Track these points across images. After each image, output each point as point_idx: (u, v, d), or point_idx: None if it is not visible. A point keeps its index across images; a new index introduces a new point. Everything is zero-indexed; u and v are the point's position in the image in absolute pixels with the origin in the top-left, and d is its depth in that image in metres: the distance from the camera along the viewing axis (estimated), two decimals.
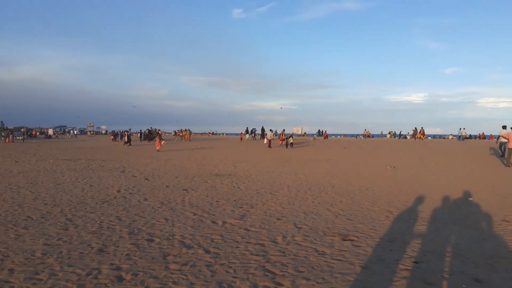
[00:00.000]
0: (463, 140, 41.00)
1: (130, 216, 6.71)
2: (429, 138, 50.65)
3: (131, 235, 5.48)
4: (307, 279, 3.89)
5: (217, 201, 8.20)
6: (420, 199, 8.70)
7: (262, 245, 5.13)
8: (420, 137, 40.17)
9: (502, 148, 19.09)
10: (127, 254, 4.63)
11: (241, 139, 45.73)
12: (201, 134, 79.99)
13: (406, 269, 4.20)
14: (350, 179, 12.10)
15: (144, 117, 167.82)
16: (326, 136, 54.14)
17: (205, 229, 5.90)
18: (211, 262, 4.40)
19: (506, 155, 16.58)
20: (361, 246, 5.11)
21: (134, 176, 12.16)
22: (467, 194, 9.40)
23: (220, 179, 11.71)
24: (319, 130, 63.06)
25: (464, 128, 43.18)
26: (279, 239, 5.43)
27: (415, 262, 4.44)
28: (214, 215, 6.91)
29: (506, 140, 17.47)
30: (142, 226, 6.02)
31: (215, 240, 5.30)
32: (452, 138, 50.25)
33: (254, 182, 11.18)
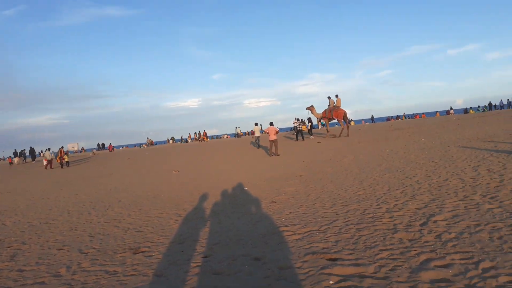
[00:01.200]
0: (239, 137, 46.40)
1: None
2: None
3: None
4: None
5: None
6: (204, 197, 9.30)
7: (42, 283, 4.41)
8: (203, 139, 43.65)
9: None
10: None
11: (10, 163, 37.93)
12: None
13: (197, 266, 4.39)
14: (136, 190, 11.86)
15: None
16: (112, 149, 51.31)
17: None
18: None
19: (269, 147, 19.56)
20: (153, 255, 5.05)
21: None
22: (242, 185, 10.61)
23: None
24: (98, 143, 59.40)
25: (239, 127, 49.54)
26: (63, 271, 4.79)
27: (204, 257, 4.70)
28: None
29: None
30: None
31: None
32: (227, 137, 55.98)
33: (24, 214, 9.55)
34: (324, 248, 4.52)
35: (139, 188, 12.41)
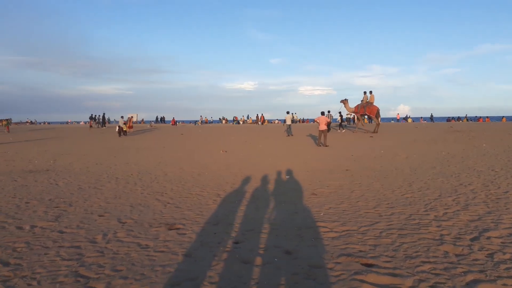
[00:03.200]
0: (295, 123, 46.13)
1: None
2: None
3: None
4: (125, 278, 3.64)
5: (26, 203, 7.06)
6: (246, 180, 9.28)
7: (78, 247, 4.60)
8: (262, 122, 44.49)
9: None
10: None
11: (91, 126, 40.52)
12: (18, 123, 67.08)
13: (227, 251, 4.34)
14: (184, 166, 12.12)
15: None
16: (175, 123, 52.49)
17: (7, 237, 4.98)
18: (9, 277, 3.71)
19: (318, 136, 19.21)
20: (186, 234, 5.09)
21: None
22: (286, 173, 10.46)
23: (34, 176, 10.20)
24: (157, 116, 61.51)
25: (295, 113, 48.94)
26: (99, 238, 4.97)
27: (235, 243, 4.65)
28: (21, 219, 5.91)
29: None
30: None
31: (18, 249, 4.51)
32: (278, 123, 55.72)
33: (77, 177, 10.12)
34: (360, 251, 4.28)
35: (186, 164, 12.67)
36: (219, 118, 61.35)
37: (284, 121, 26.48)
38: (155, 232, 5.20)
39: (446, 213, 5.83)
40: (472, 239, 4.58)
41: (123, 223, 5.71)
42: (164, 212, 6.34)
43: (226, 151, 16.51)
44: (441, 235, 4.78)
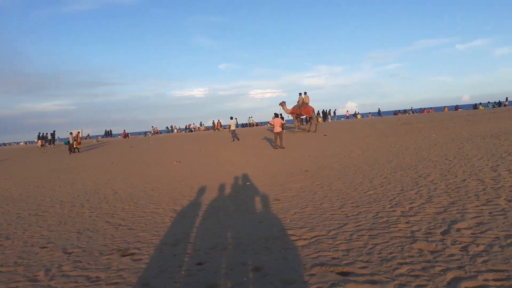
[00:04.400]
0: (251, 127, 46.24)
1: None
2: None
3: None
4: None
5: None
6: (203, 191, 8.80)
7: None
8: (218, 129, 43.63)
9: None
10: None
11: (42, 145, 37.40)
12: None
13: (189, 275, 3.87)
14: (135, 181, 11.39)
15: None
16: (126, 135, 50.26)
17: None
18: None
19: (274, 139, 19.04)
20: (142, 259, 4.54)
21: None
22: (245, 179, 10.10)
23: None
24: (106, 130, 58.97)
25: (251, 116, 50.15)
26: (41, 275, 4.30)
27: (198, 264, 4.19)
28: None
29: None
30: None
31: None
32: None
33: (16, 204, 9.12)
34: (333, 258, 3.98)
35: (137, 179, 11.94)
36: (166, 128, 59.75)
37: (229, 126, 27.17)
38: (107, 261, 4.60)
39: (412, 207, 5.72)
40: (443, 233, 4.45)
41: (69, 253, 5.05)
42: (116, 236, 5.72)
43: (180, 162, 15.86)
44: (412, 231, 4.62)
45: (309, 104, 23.96)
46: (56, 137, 40.67)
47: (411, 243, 4.21)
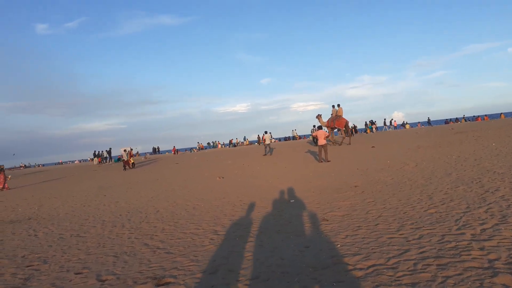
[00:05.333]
0: (294, 140, 46.16)
1: None
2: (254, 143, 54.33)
3: None
4: None
5: None
6: (246, 210, 8.34)
7: None
8: (263, 142, 43.78)
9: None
10: None
11: (100, 162, 39.53)
12: (11, 169, 66.80)
13: None
14: (177, 199, 11.16)
15: None
16: (176, 151, 52.09)
17: None
18: None
19: (318, 152, 18.38)
20: None
21: None
22: (289, 195, 9.54)
23: (13, 227, 9.18)
24: (154, 147, 60.83)
25: (295, 130, 51.33)
26: None
27: None
28: None
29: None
30: None
31: None
32: (275, 141, 55.04)
33: (60, 223, 9.12)
34: None
35: (180, 196, 11.73)
36: (208, 143, 60.41)
37: (264, 140, 27.55)
38: None
39: (484, 229, 4.92)
40: None
41: (103, 281, 4.74)
42: (153, 261, 5.37)
43: (223, 177, 15.57)
44: (490, 261, 3.87)
45: (343, 117, 23.72)
46: (112, 154, 42.33)
47: (492, 277, 3.48)
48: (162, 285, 4.36)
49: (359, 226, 5.90)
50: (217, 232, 6.65)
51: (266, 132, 27.54)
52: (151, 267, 5.10)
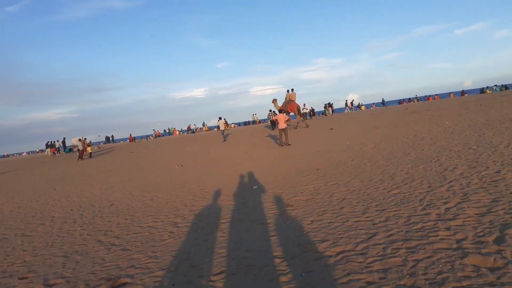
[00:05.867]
0: (255, 124, 46.11)
1: None
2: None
3: None
4: None
5: None
6: (207, 199, 8.01)
7: None
8: (226, 128, 43.45)
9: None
10: None
11: (54, 153, 36.79)
12: None
13: None
14: (133, 190, 10.61)
15: None
16: (133, 139, 50.38)
17: None
18: None
19: (278, 136, 18.27)
20: None
21: None
22: (252, 181, 9.30)
23: None
24: (106, 136, 58.27)
25: (255, 114, 51.68)
26: None
27: None
28: None
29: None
30: None
31: None
32: (234, 126, 54.56)
33: (3, 222, 8.34)
34: (369, 283, 3.19)
35: (136, 187, 11.17)
36: (164, 130, 58.94)
37: (218, 127, 28.21)
38: None
39: (448, 208, 4.90)
40: (496, 241, 3.65)
41: (51, 286, 4.28)
42: (107, 260, 4.94)
43: (181, 166, 15.08)
44: (458, 241, 3.81)
45: (295, 101, 24.29)
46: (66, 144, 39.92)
47: (462, 258, 3.40)
48: (118, 286, 3.98)
49: (324, 211, 5.75)
50: (177, 225, 6.27)
51: (220, 118, 27.73)
52: (105, 266, 4.68)
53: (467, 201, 5.06)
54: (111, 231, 6.48)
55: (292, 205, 6.38)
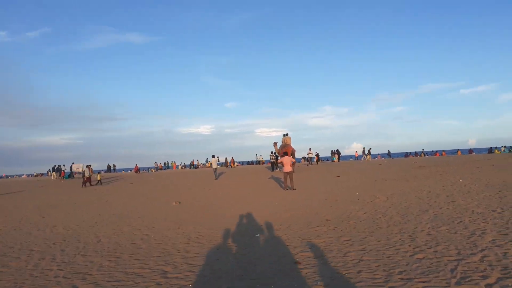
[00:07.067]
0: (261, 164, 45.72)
1: None
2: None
3: None
4: None
5: None
6: (202, 244, 7.21)
7: None
8: (231, 166, 43.42)
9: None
10: None
11: (61, 177, 36.10)
12: None
13: None
14: (124, 226, 9.79)
15: None
16: (138, 170, 49.23)
17: None
18: None
19: (283, 179, 17.55)
20: None
21: None
22: (253, 228, 8.50)
23: None
24: (108, 165, 57.73)
25: (261, 155, 51.34)
26: None
27: None
28: None
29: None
30: None
31: None
32: (237, 165, 53.96)
33: None
34: None
35: (128, 223, 10.35)
36: (165, 163, 58.54)
37: (210, 164, 29.48)
38: None
39: (490, 285, 4.10)
40: None
41: None
42: None
43: (179, 203, 14.27)
44: None
45: (290, 145, 24.50)
46: (73, 170, 39.03)
47: None
48: None
49: (339, 274, 4.92)
50: (166, 275, 5.44)
51: (213, 156, 27.71)
52: None
53: (510, 278, 4.26)
54: (90, 274, 5.65)
55: (300, 263, 5.56)
